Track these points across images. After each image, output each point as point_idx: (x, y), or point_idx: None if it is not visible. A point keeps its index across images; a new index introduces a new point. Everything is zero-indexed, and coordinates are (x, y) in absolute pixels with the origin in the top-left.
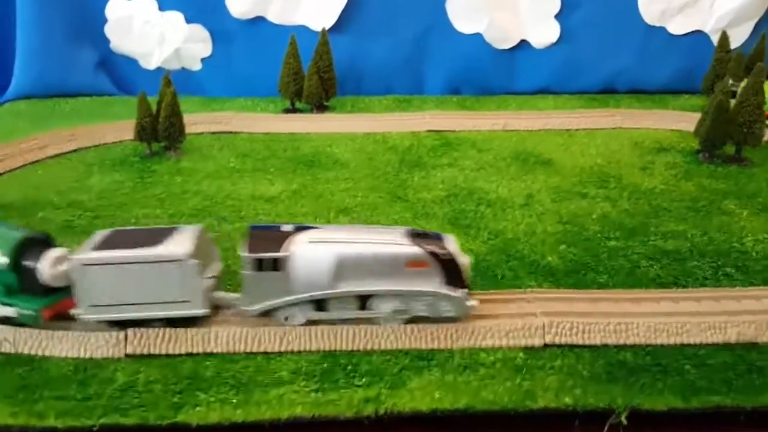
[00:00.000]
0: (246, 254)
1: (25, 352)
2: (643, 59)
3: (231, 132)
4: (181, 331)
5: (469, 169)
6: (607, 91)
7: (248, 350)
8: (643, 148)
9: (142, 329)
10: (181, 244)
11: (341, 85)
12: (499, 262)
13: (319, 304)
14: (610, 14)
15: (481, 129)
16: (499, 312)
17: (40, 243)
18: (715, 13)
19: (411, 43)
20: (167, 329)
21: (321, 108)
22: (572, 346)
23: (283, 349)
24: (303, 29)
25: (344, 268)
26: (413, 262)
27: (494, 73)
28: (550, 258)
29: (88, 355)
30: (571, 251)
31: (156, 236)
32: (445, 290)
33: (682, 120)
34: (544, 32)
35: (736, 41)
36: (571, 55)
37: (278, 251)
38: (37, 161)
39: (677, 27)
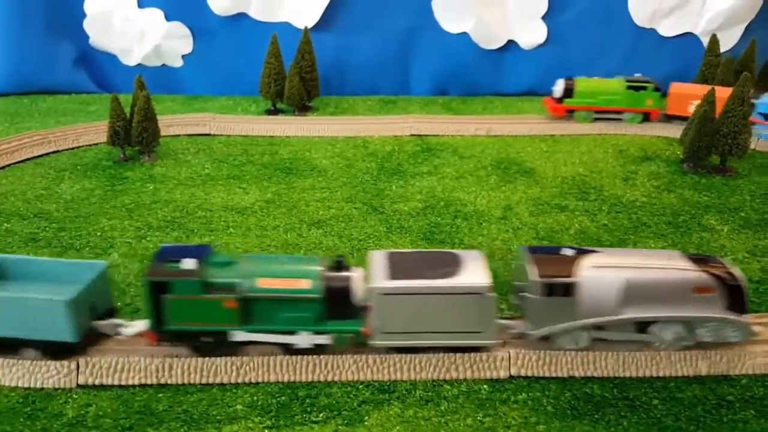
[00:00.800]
0: (536, 279)
1: None
2: (632, 61)
3: (209, 134)
4: (134, 360)
5: (448, 178)
6: None
7: (203, 382)
8: (626, 156)
9: (95, 359)
10: (476, 274)
11: (325, 85)
12: None
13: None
14: (600, 15)
15: (464, 134)
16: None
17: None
18: (705, 15)
19: (396, 41)
20: (119, 359)
21: (303, 109)
22: (538, 378)
23: (239, 380)
24: (286, 26)
25: (631, 294)
26: (701, 288)
27: (481, 74)
28: None
29: (38, 385)
30: None
31: (443, 263)
32: (732, 315)
33: (668, 126)
34: (532, 33)
35: (726, 44)
36: (559, 56)
37: (567, 276)
38: (7, 166)
39: (668, 29)
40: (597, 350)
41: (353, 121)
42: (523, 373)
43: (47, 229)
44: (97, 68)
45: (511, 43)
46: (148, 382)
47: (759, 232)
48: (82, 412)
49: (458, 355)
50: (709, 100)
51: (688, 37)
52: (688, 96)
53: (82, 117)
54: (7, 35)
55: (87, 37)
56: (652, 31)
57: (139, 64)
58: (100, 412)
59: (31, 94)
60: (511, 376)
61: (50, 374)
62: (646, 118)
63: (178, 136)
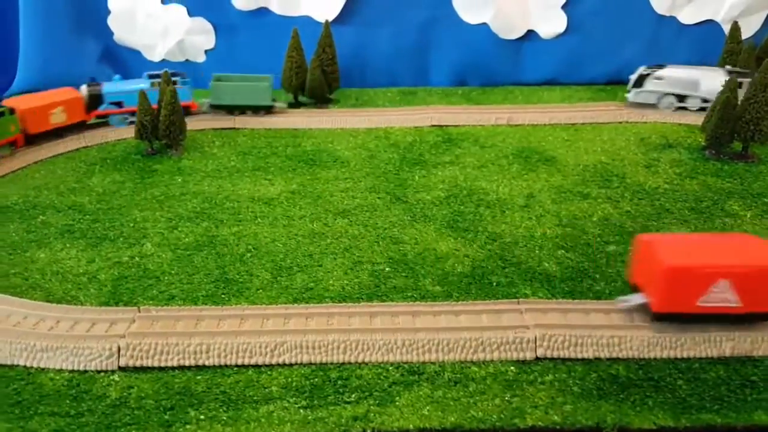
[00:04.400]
0: None
1: (21, 364)
2: (653, 49)
3: (233, 128)
4: (173, 343)
5: (470, 167)
6: (615, 82)
7: (239, 363)
8: (648, 144)
9: (135, 341)
10: None
11: (345, 77)
12: (496, 268)
13: None
14: (620, 4)
15: (485, 124)
16: (491, 324)
17: None
18: (726, 2)
19: (416, 33)
20: (159, 341)
21: (324, 101)
22: (564, 360)
23: (274, 362)
24: (307, 20)
25: None
26: None
27: (500, 64)
28: (546, 264)
29: (82, 368)
30: (569, 257)
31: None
32: None
33: (690, 113)
34: (551, 23)
35: (748, 31)
36: (579, 45)
37: None
38: (39, 161)
39: (688, 16)
40: (622, 331)
41: (374, 113)
42: (549, 354)
43: (81, 220)
44: (122, 64)
45: (530, 33)
46: (187, 363)
47: None
48: (125, 393)
49: (485, 336)
50: (731, 87)
51: (709, 25)
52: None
53: None
54: (35, 33)
55: (111, 33)
56: (673, 19)
57: (162, 60)
58: (141, 394)
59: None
60: (537, 358)
61: (93, 357)
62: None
63: (204, 130)
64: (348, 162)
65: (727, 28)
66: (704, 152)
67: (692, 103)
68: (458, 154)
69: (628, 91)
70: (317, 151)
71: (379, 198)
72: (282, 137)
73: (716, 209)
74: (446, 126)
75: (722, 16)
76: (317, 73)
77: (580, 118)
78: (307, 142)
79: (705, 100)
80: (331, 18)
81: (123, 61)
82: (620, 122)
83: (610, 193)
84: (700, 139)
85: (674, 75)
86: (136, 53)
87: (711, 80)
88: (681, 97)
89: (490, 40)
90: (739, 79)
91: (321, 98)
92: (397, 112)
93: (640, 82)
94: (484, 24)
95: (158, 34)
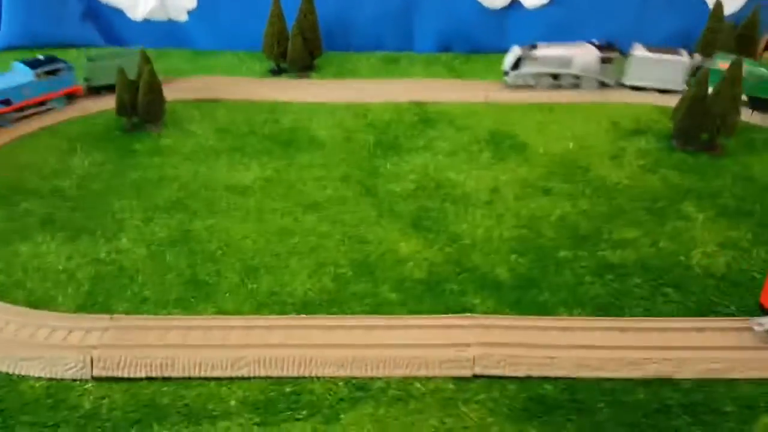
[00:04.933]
0: None
1: (3, 371)
2: (639, 21)
3: (215, 99)
4: (141, 355)
5: (442, 154)
6: None
7: (203, 375)
8: (619, 129)
9: (106, 353)
10: None
11: (330, 40)
12: (450, 275)
13: None
14: None
15: (462, 100)
16: (436, 341)
17: None
18: None
19: None
20: (129, 354)
21: (306, 68)
22: (499, 378)
23: (234, 375)
24: None
25: None
26: None
27: (485, 33)
28: (499, 270)
29: (59, 376)
30: (521, 262)
31: None
32: None
33: (666, 96)
34: None
35: (732, 7)
36: (564, 16)
37: None
38: (23, 135)
39: None
40: (554, 351)
41: (354, 86)
42: (485, 372)
43: (62, 208)
44: (105, 22)
45: (515, 2)
46: (154, 375)
47: (732, 222)
48: (98, 404)
49: (429, 353)
50: (700, 81)
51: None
52: None
53: None
54: None
55: None
56: None
57: (145, 19)
58: (113, 405)
59: (41, 48)
60: (475, 375)
61: (68, 367)
62: None
63: (185, 100)
64: (324, 144)
65: (711, 2)
66: (672, 141)
67: (565, 81)
68: (432, 138)
69: (506, 74)
70: (295, 129)
71: (350, 189)
72: (261, 111)
73: (671, 210)
74: (424, 102)
75: None
76: (298, 41)
77: (555, 97)
78: (286, 118)
79: (576, 77)
80: None
81: (106, 19)
82: (594, 102)
83: (572, 188)
84: (671, 125)
85: (549, 54)
86: (119, 12)
87: (582, 57)
88: (555, 76)
89: (475, 8)
90: (607, 55)
91: (302, 66)
92: (377, 85)
93: (516, 65)
94: None
95: None
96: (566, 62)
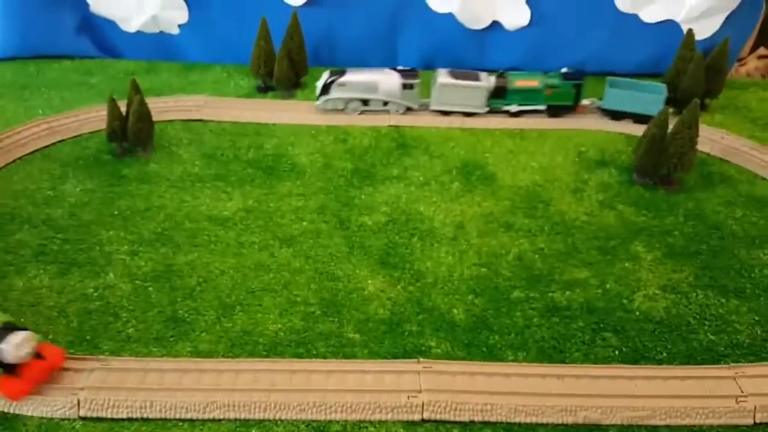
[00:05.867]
0: None
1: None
2: (614, 44)
3: (201, 120)
4: (122, 398)
5: (415, 185)
6: None
7: (177, 417)
8: (584, 160)
9: (91, 396)
10: None
11: (316, 56)
12: (411, 315)
13: None
14: (583, 0)
15: (439, 126)
16: (390, 387)
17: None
18: (688, 3)
19: (385, 18)
20: (111, 396)
21: (293, 86)
22: (445, 422)
23: (206, 417)
24: (278, 1)
25: None
26: None
27: (466, 51)
28: (455, 311)
29: (49, 416)
30: (476, 303)
31: None
32: None
33: (630, 124)
34: (515, 15)
35: (705, 32)
36: (543, 37)
37: None
38: (18, 159)
39: (650, 15)
40: (495, 398)
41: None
42: (433, 417)
43: (54, 240)
44: (99, 33)
45: (495, 23)
46: (135, 416)
47: (678, 263)
48: None
49: (383, 399)
50: (661, 120)
51: (669, 24)
52: None
53: (85, 91)
54: (13, 4)
55: (87, 5)
56: (634, 16)
57: (138, 31)
58: None
59: (38, 58)
60: (423, 420)
61: (58, 407)
62: None
63: (173, 121)
64: (303, 171)
65: (686, 28)
66: (633, 174)
67: (374, 105)
68: (407, 167)
69: (317, 99)
70: (276, 155)
71: (324, 221)
72: (246, 134)
73: (622, 250)
74: (402, 127)
75: (682, 17)
76: (285, 63)
77: (530, 123)
78: (269, 141)
79: (385, 103)
80: (301, 1)
81: (100, 30)
82: (564, 129)
83: (532, 224)
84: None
85: (356, 80)
86: (112, 23)
87: (386, 83)
88: (365, 101)
89: (456, 28)
90: (408, 81)
91: (288, 86)
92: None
93: (326, 90)
94: (451, 14)
95: (133, 7)
96: (372, 88)
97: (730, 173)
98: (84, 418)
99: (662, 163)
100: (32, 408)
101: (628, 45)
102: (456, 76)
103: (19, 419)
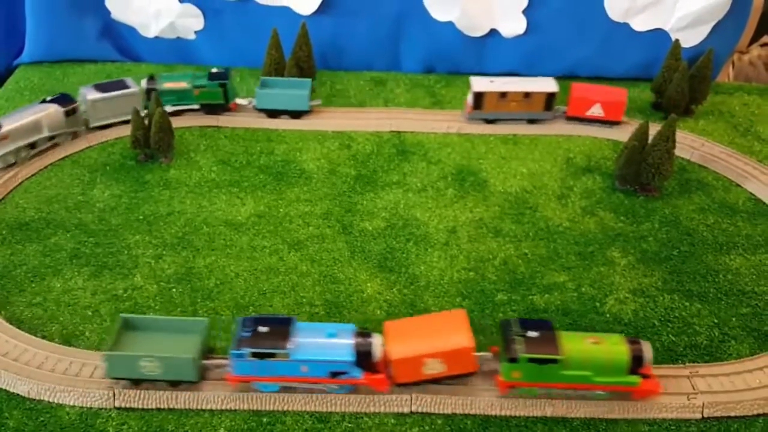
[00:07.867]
0: None
1: (46, 399)
2: (605, 50)
3: (217, 127)
4: (151, 390)
5: (413, 191)
6: (569, 77)
7: (199, 407)
8: (571, 166)
9: (126, 389)
10: None
11: (324, 59)
12: (405, 316)
13: None
14: (577, 10)
15: (437, 131)
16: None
17: None
18: (676, 13)
19: (389, 25)
20: (141, 389)
21: None
22: (431, 414)
23: (225, 407)
24: (287, 10)
25: None
26: None
27: (465, 57)
28: None
29: (88, 405)
30: (464, 305)
31: None
32: None
33: (624, 128)
34: (512, 25)
35: (693, 41)
36: (538, 44)
37: None
38: (49, 165)
39: (640, 24)
40: (475, 394)
41: (341, 115)
42: (420, 410)
43: (86, 243)
44: (120, 39)
45: (493, 31)
46: (162, 407)
47: (648, 268)
48: (118, 429)
49: (376, 393)
50: (641, 132)
51: (658, 33)
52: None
53: None
54: (40, 11)
55: (108, 12)
56: (626, 25)
57: (156, 37)
58: (130, 430)
59: (63, 62)
60: (411, 412)
61: (96, 398)
62: None
63: (191, 128)
64: (311, 177)
65: (674, 36)
66: (615, 182)
67: (42, 144)
68: (406, 173)
69: None
70: (286, 161)
71: (329, 227)
72: (258, 140)
73: (599, 255)
74: (403, 132)
75: (671, 26)
76: (294, 72)
77: (522, 129)
78: (279, 147)
79: (51, 137)
80: (310, 11)
81: (121, 36)
82: (555, 135)
83: (518, 230)
84: None
85: (16, 126)
86: (133, 30)
87: (49, 117)
88: (32, 144)
89: (456, 36)
90: (68, 108)
91: None
92: (362, 113)
93: None
94: (451, 22)
95: (151, 15)
96: (37, 127)
97: (708, 180)
98: (119, 408)
99: (642, 172)
100: (74, 398)
101: (620, 52)
102: (103, 89)
103: (63, 408)
